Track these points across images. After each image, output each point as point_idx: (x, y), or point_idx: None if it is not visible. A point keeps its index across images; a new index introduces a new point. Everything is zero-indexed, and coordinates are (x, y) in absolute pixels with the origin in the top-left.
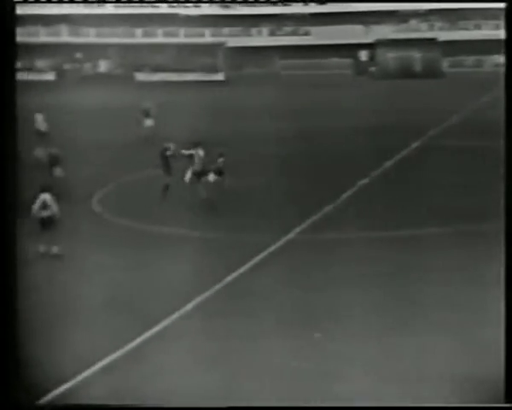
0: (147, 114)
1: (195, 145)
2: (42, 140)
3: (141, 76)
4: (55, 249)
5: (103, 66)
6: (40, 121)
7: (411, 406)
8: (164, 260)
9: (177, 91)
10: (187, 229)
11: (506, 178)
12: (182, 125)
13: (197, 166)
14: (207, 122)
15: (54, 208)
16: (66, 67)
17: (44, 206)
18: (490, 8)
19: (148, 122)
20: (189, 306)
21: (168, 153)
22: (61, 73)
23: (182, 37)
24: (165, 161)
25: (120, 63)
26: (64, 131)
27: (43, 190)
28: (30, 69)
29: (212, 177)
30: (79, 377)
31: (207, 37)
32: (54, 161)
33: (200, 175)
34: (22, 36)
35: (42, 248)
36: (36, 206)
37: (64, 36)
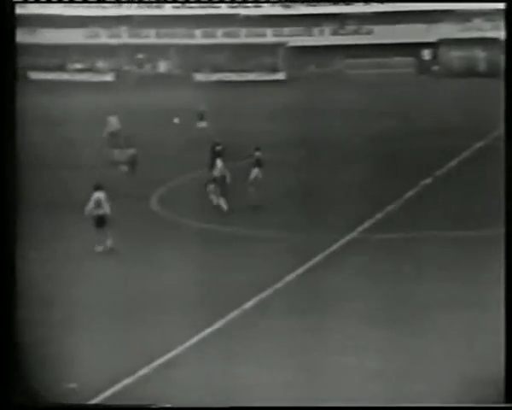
0: (201, 117)
1: (217, 156)
2: (117, 142)
3: (200, 76)
4: (110, 245)
5: (162, 66)
6: (115, 123)
7: (411, 406)
8: (222, 258)
9: (236, 91)
10: (244, 228)
11: (506, 180)
12: (240, 125)
13: (219, 178)
14: (269, 121)
15: (106, 208)
16: (126, 68)
17: (98, 204)
18: None
19: (202, 124)
20: (249, 304)
21: (218, 148)
22: (120, 74)
23: (242, 37)
24: (214, 156)
25: (180, 64)
26: (125, 131)
27: (97, 189)
28: (90, 70)
29: (255, 172)
30: (139, 373)
31: (269, 37)
32: (132, 162)
33: (221, 189)
34: (84, 38)
35: (98, 248)
36: (89, 205)
37: (124, 37)
